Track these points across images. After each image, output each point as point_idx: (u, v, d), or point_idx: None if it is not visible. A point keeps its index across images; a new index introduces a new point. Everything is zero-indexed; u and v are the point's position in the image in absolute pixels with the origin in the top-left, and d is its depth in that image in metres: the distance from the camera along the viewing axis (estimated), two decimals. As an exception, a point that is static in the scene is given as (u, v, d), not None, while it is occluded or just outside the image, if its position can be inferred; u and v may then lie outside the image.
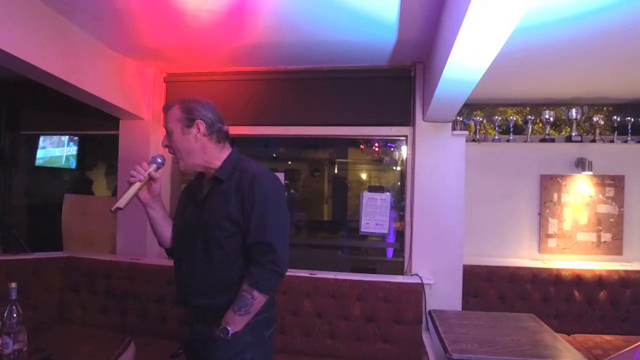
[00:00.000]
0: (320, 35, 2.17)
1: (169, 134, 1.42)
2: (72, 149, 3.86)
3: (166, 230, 1.52)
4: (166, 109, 1.45)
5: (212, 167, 1.44)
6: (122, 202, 1.30)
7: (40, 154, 3.71)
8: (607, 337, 2.47)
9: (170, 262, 1.67)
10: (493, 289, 2.75)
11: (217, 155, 1.44)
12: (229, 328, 1.31)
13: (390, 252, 3.18)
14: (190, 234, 1.43)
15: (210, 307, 1.39)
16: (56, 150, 3.76)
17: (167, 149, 1.44)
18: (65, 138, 3.82)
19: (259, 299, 1.32)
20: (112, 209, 1.28)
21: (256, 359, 1.39)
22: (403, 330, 2.35)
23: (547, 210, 3.01)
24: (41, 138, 3.76)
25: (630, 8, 1.65)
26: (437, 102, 2.18)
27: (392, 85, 2.68)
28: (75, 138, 3.87)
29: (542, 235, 3.00)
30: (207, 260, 1.38)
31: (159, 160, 1.42)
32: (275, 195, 1.39)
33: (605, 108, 3.06)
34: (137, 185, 1.36)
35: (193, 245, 1.41)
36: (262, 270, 1.32)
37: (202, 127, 1.41)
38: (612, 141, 2.94)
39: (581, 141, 2.91)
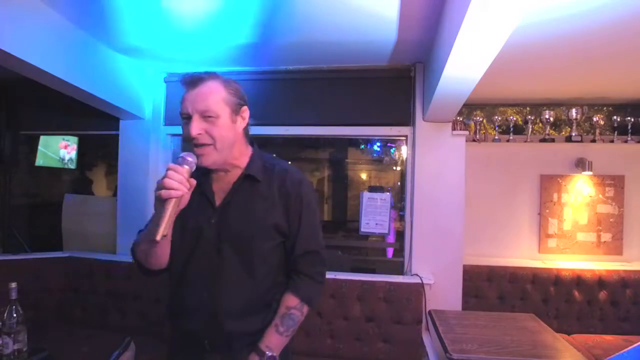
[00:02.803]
0: (320, 35, 2.17)
1: (209, 119, 1.07)
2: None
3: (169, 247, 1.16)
4: (198, 81, 1.08)
5: (238, 164, 1.18)
6: (166, 228, 0.98)
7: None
8: (607, 337, 2.47)
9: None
10: (493, 289, 2.75)
11: (244, 151, 1.20)
12: (275, 354, 1.10)
13: (390, 252, 3.18)
14: (208, 247, 1.14)
15: (245, 332, 1.15)
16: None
17: (192, 137, 1.07)
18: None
19: (305, 315, 1.19)
20: (158, 238, 0.96)
21: None
22: (403, 330, 2.35)
23: (547, 210, 3.00)
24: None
25: (631, 6, 1.65)
26: (437, 102, 2.18)
27: (392, 85, 2.68)
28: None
29: (542, 235, 3.00)
30: (245, 277, 1.14)
31: (190, 159, 1.04)
32: (315, 200, 1.26)
33: (605, 108, 3.06)
34: (175, 201, 0.98)
35: (217, 260, 1.14)
36: (313, 283, 1.20)
37: (247, 116, 1.17)
38: (612, 141, 2.94)
39: (581, 141, 2.91)
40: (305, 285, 1.20)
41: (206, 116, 1.07)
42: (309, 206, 1.20)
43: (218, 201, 1.17)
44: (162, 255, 1.14)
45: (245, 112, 1.16)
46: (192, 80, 1.09)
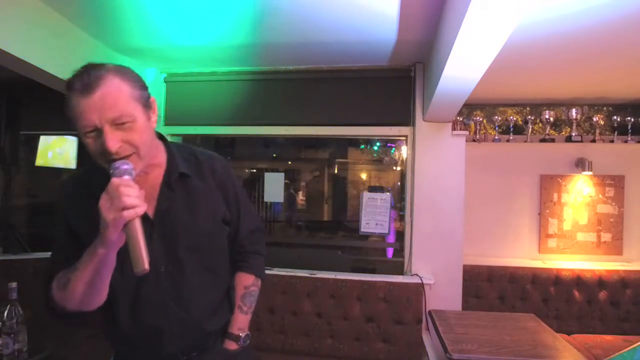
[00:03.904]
0: (320, 35, 2.17)
1: (124, 125, 0.88)
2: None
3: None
4: (97, 81, 0.85)
5: (157, 162, 1.03)
6: (146, 258, 0.83)
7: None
8: (607, 337, 2.47)
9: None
10: (493, 289, 2.75)
11: (157, 145, 1.04)
12: (248, 332, 1.17)
13: (390, 252, 3.19)
14: (160, 262, 1.01)
15: (221, 326, 1.15)
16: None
17: (107, 152, 0.87)
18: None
19: (259, 288, 1.24)
20: (139, 272, 0.82)
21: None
22: (403, 330, 2.36)
23: (547, 210, 3.00)
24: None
25: (631, 5, 1.65)
26: (437, 102, 2.18)
27: (392, 85, 2.68)
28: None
29: (542, 235, 3.00)
30: (209, 276, 1.10)
31: (127, 167, 0.87)
32: None
33: (605, 108, 3.06)
34: (138, 220, 0.84)
35: (176, 271, 1.03)
36: (260, 257, 1.25)
37: (156, 106, 0.99)
38: (612, 141, 2.93)
39: (581, 141, 2.91)
40: (256, 262, 1.23)
41: (120, 123, 0.87)
42: (239, 186, 1.19)
43: (149, 210, 0.98)
44: (106, 288, 0.95)
45: (155, 102, 0.98)
46: (89, 83, 0.84)
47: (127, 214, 0.81)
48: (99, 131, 0.86)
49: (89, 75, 0.85)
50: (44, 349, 1.81)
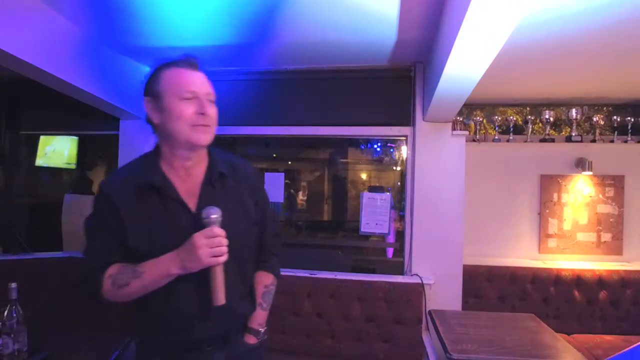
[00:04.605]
0: (320, 35, 2.17)
1: (211, 102, 1.11)
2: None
3: None
4: (198, 64, 1.14)
5: (203, 155, 1.17)
6: (224, 294, 1.03)
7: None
8: (607, 337, 2.47)
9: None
10: (493, 289, 2.75)
11: None
12: (266, 327, 1.26)
13: (390, 252, 3.18)
14: None
15: (245, 319, 1.22)
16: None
17: (200, 116, 1.07)
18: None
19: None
20: (218, 304, 1.02)
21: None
22: (403, 330, 2.36)
23: (547, 210, 3.00)
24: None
25: (631, 6, 1.65)
26: (437, 101, 2.18)
27: (392, 85, 2.68)
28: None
29: (542, 235, 3.00)
30: (238, 272, 1.14)
31: (217, 217, 1.02)
32: None
33: (605, 108, 3.06)
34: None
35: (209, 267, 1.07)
36: (278, 259, 1.32)
37: None
38: (612, 141, 2.94)
39: (581, 141, 2.91)
40: (275, 263, 1.31)
41: (209, 100, 1.10)
42: (266, 193, 1.29)
43: (191, 205, 1.09)
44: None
45: None
46: (195, 64, 1.12)
47: (221, 259, 1.01)
48: (197, 99, 1.07)
49: (192, 59, 1.12)
50: (44, 349, 1.81)
